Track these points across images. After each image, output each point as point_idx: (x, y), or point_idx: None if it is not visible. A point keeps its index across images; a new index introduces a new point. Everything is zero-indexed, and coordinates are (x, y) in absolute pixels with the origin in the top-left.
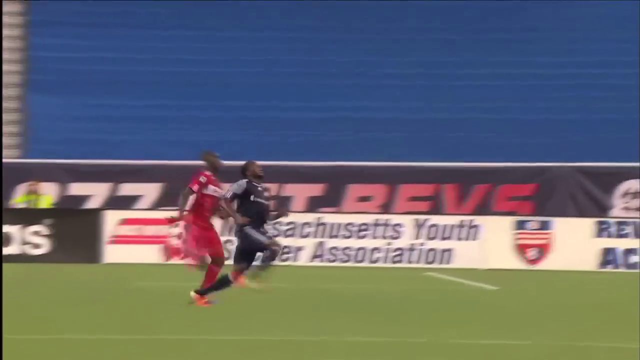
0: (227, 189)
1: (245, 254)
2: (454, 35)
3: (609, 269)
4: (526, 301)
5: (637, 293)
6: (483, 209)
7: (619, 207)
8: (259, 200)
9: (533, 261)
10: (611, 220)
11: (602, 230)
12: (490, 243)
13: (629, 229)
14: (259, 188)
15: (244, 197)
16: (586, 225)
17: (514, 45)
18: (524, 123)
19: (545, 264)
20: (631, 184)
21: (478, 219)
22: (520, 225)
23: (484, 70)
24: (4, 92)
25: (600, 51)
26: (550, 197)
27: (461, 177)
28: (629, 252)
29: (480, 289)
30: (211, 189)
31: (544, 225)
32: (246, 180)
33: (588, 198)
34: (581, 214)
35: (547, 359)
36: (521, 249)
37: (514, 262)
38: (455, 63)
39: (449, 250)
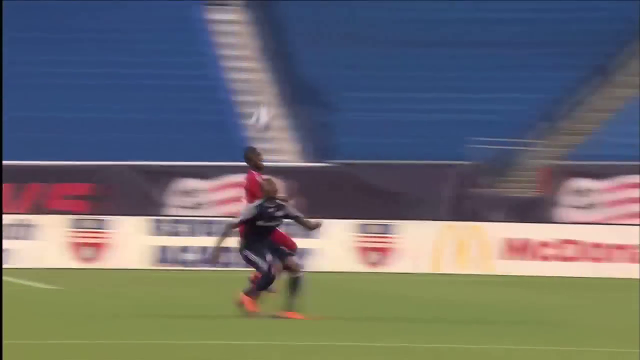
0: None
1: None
2: (17, 33)
3: (164, 266)
4: (85, 300)
5: (190, 291)
6: (39, 208)
7: (174, 206)
8: (267, 224)
9: (89, 260)
10: (167, 219)
11: (158, 228)
12: (47, 242)
13: (184, 227)
14: (270, 209)
15: (252, 220)
16: (143, 223)
17: (69, 45)
18: (80, 122)
19: (102, 263)
20: (187, 183)
21: (34, 218)
22: (77, 224)
23: (39, 68)
24: None
25: (162, 52)
26: (107, 196)
27: (16, 176)
28: (183, 250)
29: (38, 289)
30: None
31: (101, 224)
32: (259, 203)
33: (144, 196)
34: (138, 212)
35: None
36: (78, 247)
37: (71, 261)
38: (10, 61)
39: (5, 250)
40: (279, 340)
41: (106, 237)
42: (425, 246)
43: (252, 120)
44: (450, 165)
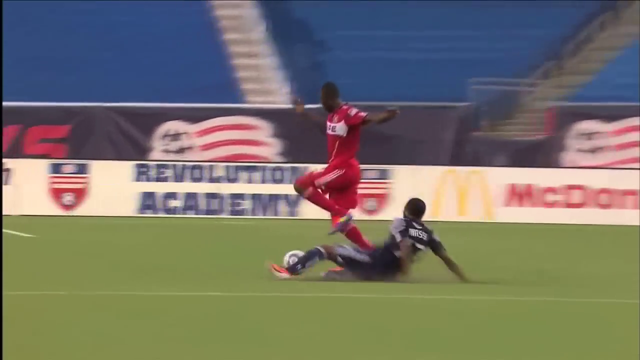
0: None
1: None
2: None
3: (148, 214)
4: (63, 249)
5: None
6: (14, 152)
7: (158, 150)
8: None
9: (69, 207)
10: (151, 164)
11: (141, 173)
12: (24, 188)
13: (168, 173)
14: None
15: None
16: (125, 168)
17: None
18: (57, 62)
19: (81, 210)
20: (171, 125)
21: (9, 163)
22: (55, 169)
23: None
24: None
25: None
26: (86, 139)
27: None
28: (169, 196)
29: (15, 237)
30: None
31: (80, 169)
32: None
33: (126, 140)
34: (119, 156)
35: None
36: (56, 194)
37: (49, 208)
38: None
39: None
40: None
41: (86, 183)
42: (424, 192)
43: None
44: (450, 107)
